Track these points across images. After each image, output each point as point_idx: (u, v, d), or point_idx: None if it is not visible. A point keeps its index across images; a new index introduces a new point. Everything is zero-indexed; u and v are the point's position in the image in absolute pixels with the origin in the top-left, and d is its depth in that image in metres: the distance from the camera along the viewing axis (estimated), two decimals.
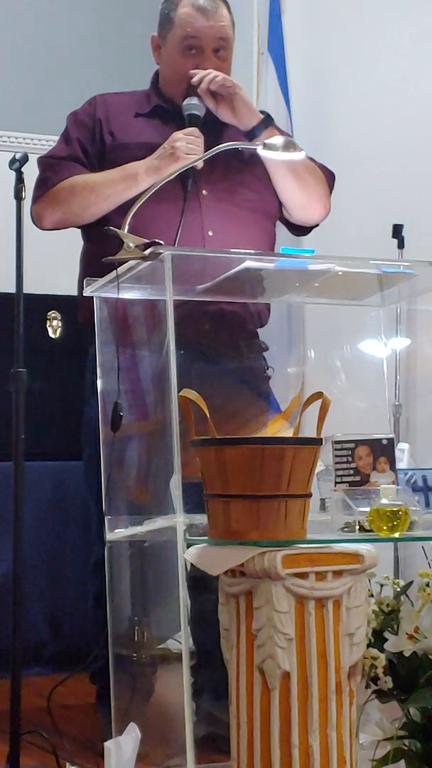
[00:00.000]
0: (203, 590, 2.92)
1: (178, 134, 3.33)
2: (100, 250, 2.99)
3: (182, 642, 2.66)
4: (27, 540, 3.23)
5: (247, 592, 2.52)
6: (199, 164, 3.32)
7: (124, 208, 3.18)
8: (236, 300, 3.32)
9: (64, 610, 4.00)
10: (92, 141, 3.48)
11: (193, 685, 2.69)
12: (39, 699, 3.34)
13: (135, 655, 3.28)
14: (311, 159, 3.50)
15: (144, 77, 3.57)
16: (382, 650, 2.77)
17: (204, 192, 3.40)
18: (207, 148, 3.29)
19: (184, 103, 3.41)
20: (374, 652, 2.74)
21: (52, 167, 3.47)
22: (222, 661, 2.65)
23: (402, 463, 2.99)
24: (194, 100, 3.40)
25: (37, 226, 3.49)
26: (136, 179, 3.33)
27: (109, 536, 2.98)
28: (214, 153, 3.19)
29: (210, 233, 3.36)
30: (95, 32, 4.90)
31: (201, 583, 2.82)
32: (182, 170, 3.22)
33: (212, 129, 3.44)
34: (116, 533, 2.98)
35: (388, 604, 2.93)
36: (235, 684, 2.55)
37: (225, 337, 3.38)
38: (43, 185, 3.46)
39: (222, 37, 3.44)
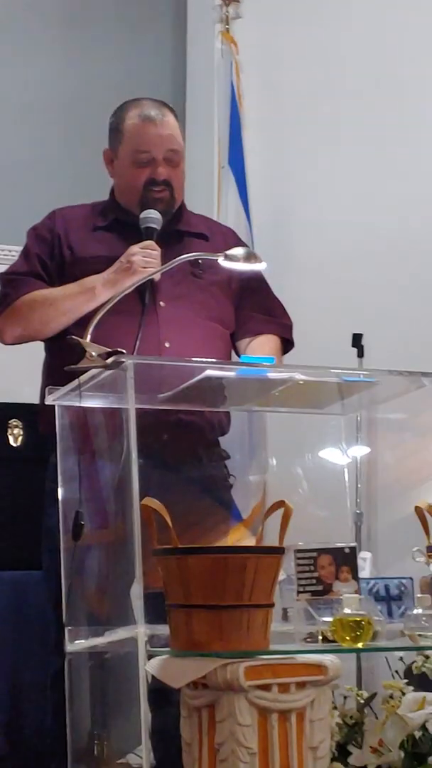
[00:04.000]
0: (165, 703, 2.88)
1: (134, 248, 3.36)
2: (62, 362, 3.00)
3: (143, 756, 2.62)
4: None
5: (210, 705, 2.49)
6: (156, 276, 3.35)
7: (84, 321, 3.20)
8: (197, 408, 3.32)
9: (23, 723, 3.93)
10: (51, 256, 3.51)
11: None
12: None
13: None
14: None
15: (107, 188, 3.61)
16: (346, 764, 2.74)
17: (161, 303, 3.42)
18: (165, 258, 3.32)
19: (141, 216, 3.44)
20: (338, 766, 2.71)
21: (12, 283, 3.50)
22: None
23: (364, 572, 2.99)
24: (151, 213, 3.44)
25: None
26: (94, 293, 3.35)
27: (69, 647, 2.94)
28: (172, 266, 3.23)
29: (167, 345, 3.37)
30: (58, 143, 4.96)
31: (162, 695, 2.79)
32: (139, 283, 3.24)
33: (170, 239, 3.47)
34: (76, 644, 2.94)
35: (351, 717, 2.91)
36: None
37: (185, 446, 3.38)
38: (3, 302, 3.49)
39: (171, 147, 3.49)
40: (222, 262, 3.27)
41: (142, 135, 3.47)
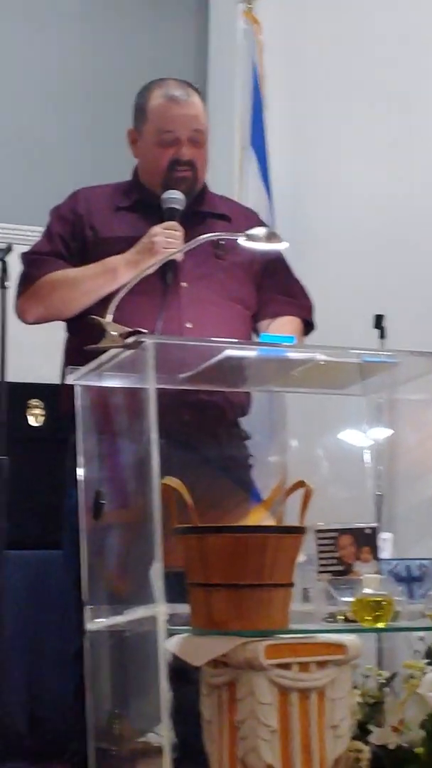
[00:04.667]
0: (185, 681, 2.88)
1: (156, 228, 3.36)
2: (82, 342, 3.00)
3: (163, 735, 2.62)
4: (6, 629, 3.20)
5: (230, 683, 2.50)
6: (179, 257, 3.35)
7: (105, 301, 3.20)
8: (217, 389, 3.32)
9: (43, 701, 3.94)
10: (73, 236, 3.51)
11: None
12: None
13: (115, 748, 3.22)
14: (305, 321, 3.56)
15: (130, 168, 3.61)
16: (366, 743, 2.74)
17: (183, 284, 3.42)
18: (187, 239, 3.32)
19: (163, 196, 3.44)
20: (359, 744, 2.71)
21: (35, 263, 3.50)
22: (204, 754, 2.62)
23: (385, 552, 2.98)
24: (173, 194, 3.44)
25: (21, 320, 3.52)
26: (116, 274, 3.35)
27: (89, 626, 2.96)
28: (193, 245, 3.22)
29: (188, 325, 3.37)
30: (81, 124, 4.96)
31: (183, 673, 2.79)
32: (160, 264, 3.24)
33: (192, 220, 3.47)
34: (96, 623, 2.95)
35: (372, 696, 2.91)
36: None
37: (205, 427, 3.38)
38: (26, 281, 3.49)
39: (196, 127, 3.48)
40: (243, 242, 3.27)
41: (167, 115, 3.47)
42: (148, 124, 3.50)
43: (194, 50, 5.23)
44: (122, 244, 3.41)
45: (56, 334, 3.56)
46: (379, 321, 4.24)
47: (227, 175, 4.79)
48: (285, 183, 4.84)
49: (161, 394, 2.83)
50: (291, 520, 2.60)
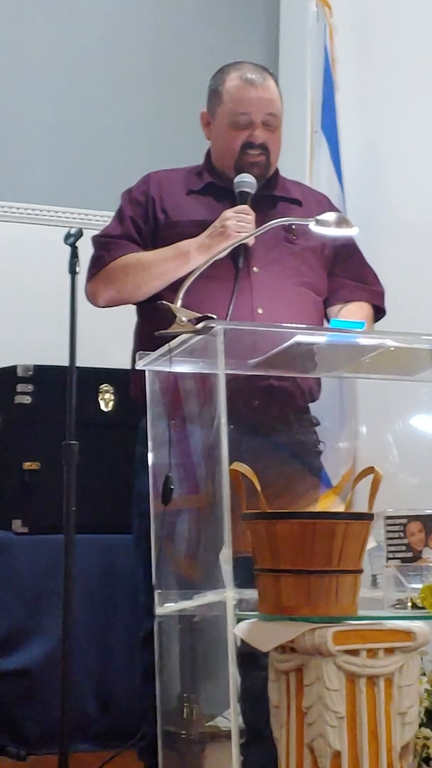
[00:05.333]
0: (253, 666, 2.89)
1: (228, 212, 3.35)
2: (153, 326, 3.01)
3: (231, 719, 2.63)
4: (75, 613, 3.22)
5: (298, 669, 2.50)
6: (250, 241, 3.35)
7: (176, 285, 3.20)
8: (287, 374, 3.32)
9: (113, 685, 3.96)
10: (145, 219, 3.51)
11: (242, 763, 2.66)
12: None
13: (184, 732, 3.24)
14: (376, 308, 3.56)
15: (199, 152, 3.61)
16: None
17: (255, 269, 3.42)
18: (259, 223, 3.31)
19: (235, 180, 3.44)
20: (426, 732, 2.70)
21: (106, 246, 3.51)
22: (272, 739, 2.62)
23: None
24: (245, 177, 3.43)
25: (91, 303, 3.53)
26: (188, 257, 3.36)
27: (159, 610, 2.97)
28: (264, 230, 3.22)
29: (260, 311, 3.37)
30: (151, 108, 4.96)
31: (251, 659, 2.80)
32: (232, 248, 3.24)
33: (264, 204, 3.46)
34: (166, 607, 2.96)
35: None
36: (285, 763, 2.52)
37: (275, 412, 3.38)
38: (97, 264, 3.50)
39: (271, 111, 3.47)
40: (313, 227, 3.26)
41: (242, 97, 3.46)
42: (222, 106, 3.50)
43: (265, 33, 5.21)
44: (194, 228, 3.41)
45: (127, 318, 3.57)
46: None
47: (298, 159, 4.76)
48: (356, 167, 4.81)
49: (231, 379, 2.83)
50: (360, 506, 2.59)
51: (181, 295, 2.98)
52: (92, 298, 3.53)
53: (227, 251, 3.23)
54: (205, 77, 3.59)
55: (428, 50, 4.51)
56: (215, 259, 3.14)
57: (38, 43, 4.81)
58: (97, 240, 3.55)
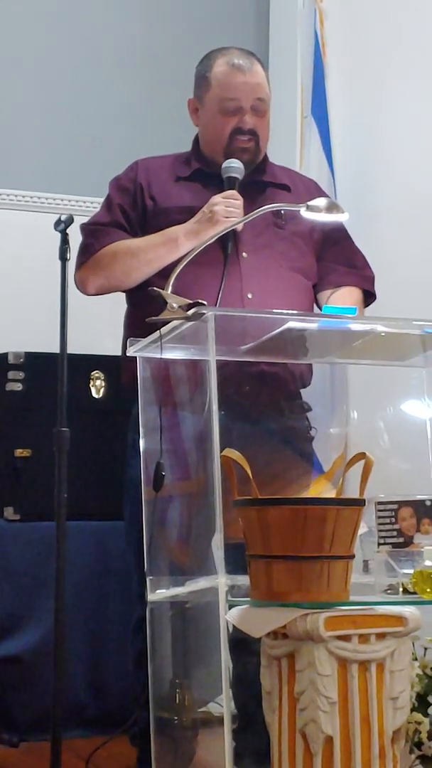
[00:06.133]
0: (245, 652, 2.90)
1: (216, 198, 3.35)
2: (143, 313, 3.00)
3: (224, 705, 2.64)
4: (67, 600, 3.22)
5: (290, 655, 2.50)
6: (239, 227, 3.34)
7: (165, 272, 3.20)
8: (279, 360, 3.32)
9: (105, 671, 3.97)
10: (134, 206, 3.51)
11: (234, 749, 2.66)
12: (79, 761, 3.32)
13: (176, 717, 3.25)
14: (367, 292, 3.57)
15: (190, 139, 3.60)
16: (426, 715, 2.74)
17: (244, 254, 3.42)
18: (248, 209, 3.31)
19: (223, 165, 3.43)
20: (418, 716, 2.71)
21: (95, 234, 3.51)
22: (264, 724, 2.63)
23: None
24: (233, 163, 3.43)
25: (81, 291, 3.52)
26: (177, 243, 3.35)
27: (151, 597, 2.97)
28: (253, 216, 3.21)
29: (249, 296, 3.37)
30: (141, 95, 4.95)
31: (243, 644, 2.80)
32: (221, 234, 3.24)
33: (252, 190, 3.46)
34: (158, 594, 2.97)
35: (431, 668, 2.90)
36: (277, 748, 2.53)
37: (267, 398, 3.38)
38: (86, 252, 3.50)
39: (259, 96, 3.46)
40: (304, 213, 3.26)
41: (231, 83, 3.45)
42: (210, 92, 3.49)
43: (255, 17, 5.20)
44: (182, 215, 3.41)
45: (118, 305, 3.57)
46: None
47: (289, 144, 4.76)
48: (346, 152, 4.80)
49: (222, 365, 2.83)
50: (351, 492, 2.59)
51: (171, 281, 2.98)
52: (82, 286, 3.52)
53: (216, 237, 3.23)
54: (195, 63, 3.57)
55: (418, 34, 4.50)
56: (204, 245, 3.13)
57: (28, 30, 4.79)
58: (85, 228, 3.55)
